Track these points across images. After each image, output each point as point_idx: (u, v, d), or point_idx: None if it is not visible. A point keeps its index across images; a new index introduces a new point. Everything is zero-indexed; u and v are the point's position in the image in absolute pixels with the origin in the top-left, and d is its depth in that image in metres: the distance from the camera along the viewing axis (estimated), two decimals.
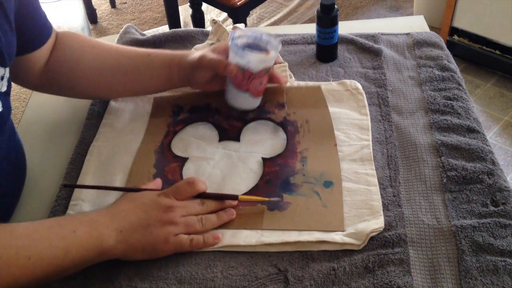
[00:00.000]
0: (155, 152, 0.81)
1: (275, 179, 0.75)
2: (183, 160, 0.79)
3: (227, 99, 0.84)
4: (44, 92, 0.88)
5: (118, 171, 0.78)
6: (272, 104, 0.86)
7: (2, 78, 0.69)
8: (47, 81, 0.83)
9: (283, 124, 0.83)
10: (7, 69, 0.71)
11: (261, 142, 0.81)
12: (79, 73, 0.83)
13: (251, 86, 0.79)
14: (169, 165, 0.78)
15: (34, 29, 0.78)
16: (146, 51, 0.85)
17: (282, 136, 0.82)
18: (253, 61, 0.76)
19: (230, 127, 0.84)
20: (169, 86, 0.87)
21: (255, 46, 0.80)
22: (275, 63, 0.85)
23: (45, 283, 0.61)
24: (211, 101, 0.88)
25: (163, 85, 0.86)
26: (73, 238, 0.61)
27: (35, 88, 0.88)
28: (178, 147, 0.82)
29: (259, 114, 0.85)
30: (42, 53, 0.80)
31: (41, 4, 0.79)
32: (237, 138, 0.82)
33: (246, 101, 0.82)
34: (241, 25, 1.05)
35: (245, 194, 0.73)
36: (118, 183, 0.76)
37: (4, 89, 0.71)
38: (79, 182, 0.77)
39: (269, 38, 0.80)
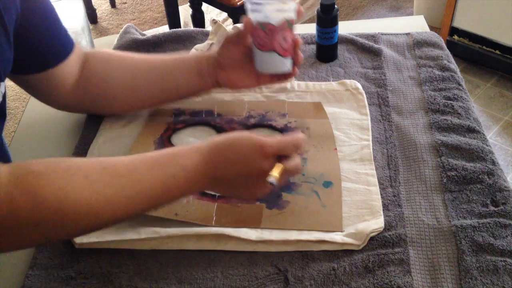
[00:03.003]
0: (154, 143, 0.81)
1: None
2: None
3: (256, 66, 0.80)
4: (81, 111, 0.88)
5: None
6: (273, 113, 0.86)
7: None
8: (80, 98, 0.83)
9: (284, 130, 0.83)
10: (2, 84, 0.69)
11: None
12: (112, 85, 0.82)
13: (275, 43, 0.75)
14: None
15: (54, 42, 0.77)
16: (173, 56, 0.85)
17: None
18: (271, 11, 0.74)
19: (231, 130, 0.84)
20: (201, 82, 0.83)
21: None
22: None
23: (140, 215, 0.66)
24: (213, 107, 0.88)
25: (195, 81, 0.83)
26: (173, 183, 0.62)
27: (71, 108, 0.87)
28: (177, 142, 0.82)
29: (261, 120, 0.85)
30: (66, 70, 0.79)
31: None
32: None
33: (274, 63, 0.78)
34: (241, 25, 1.05)
35: None
36: None
37: None
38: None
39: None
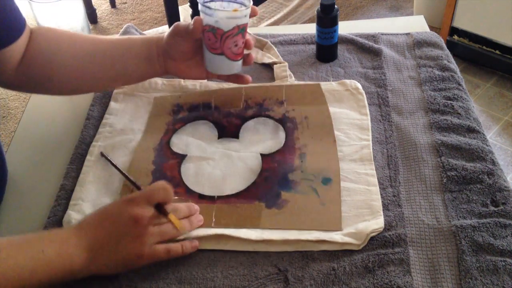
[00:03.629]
0: (154, 149, 0.81)
1: (274, 175, 0.75)
2: (182, 157, 0.79)
3: (206, 65, 0.80)
4: (21, 90, 0.84)
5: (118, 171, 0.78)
6: (271, 101, 0.86)
7: None
8: (23, 78, 0.79)
9: (282, 121, 0.83)
10: None
11: (261, 140, 0.81)
12: (56, 65, 0.79)
13: (225, 47, 0.75)
14: (167, 162, 0.78)
15: (5, 23, 0.73)
16: (127, 36, 0.83)
17: (281, 132, 0.82)
18: (222, 18, 0.72)
19: (229, 124, 0.84)
20: (150, 68, 0.81)
21: (230, 8, 0.76)
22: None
23: None
24: (210, 99, 0.88)
25: (144, 67, 0.81)
26: (41, 259, 0.58)
27: (11, 87, 0.83)
28: (177, 145, 0.82)
29: (258, 111, 0.85)
30: (15, 49, 0.75)
31: (41, 4, 0.77)
32: (236, 136, 0.82)
33: (223, 65, 0.78)
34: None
35: (243, 192, 0.74)
36: (117, 182, 0.76)
37: None
38: (79, 182, 0.77)
39: (242, 0, 0.76)
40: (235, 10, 0.71)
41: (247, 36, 0.76)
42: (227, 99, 0.87)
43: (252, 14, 0.75)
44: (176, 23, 0.77)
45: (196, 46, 0.78)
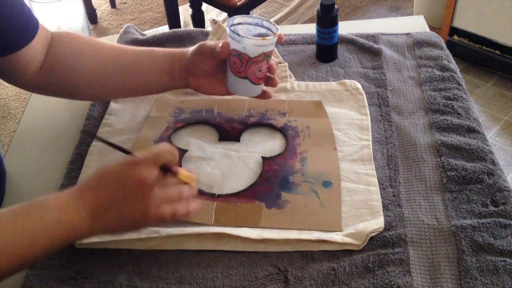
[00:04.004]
0: (154, 142, 0.81)
1: (274, 177, 0.75)
2: (183, 151, 0.79)
3: (228, 86, 0.80)
4: (42, 93, 0.85)
5: None
6: (273, 112, 0.86)
7: None
8: (44, 81, 0.80)
9: (284, 129, 0.83)
10: None
11: (261, 142, 0.81)
12: (79, 72, 0.80)
13: (249, 72, 0.76)
14: None
15: (18, 26, 0.73)
16: (149, 48, 0.83)
17: (282, 138, 0.82)
18: (249, 45, 0.73)
19: (231, 129, 0.84)
20: (171, 82, 0.82)
21: (255, 32, 0.77)
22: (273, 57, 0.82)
23: (14, 273, 0.58)
24: (213, 106, 0.88)
25: (165, 81, 0.82)
26: (40, 228, 0.56)
27: (32, 89, 0.84)
28: (177, 142, 0.82)
29: (261, 119, 0.85)
30: (32, 51, 0.75)
31: (41, 4, 0.77)
32: (237, 139, 0.82)
33: (246, 88, 0.78)
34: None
35: (243, 191, 0.73)
36: None
37: None
38: (79, 182, 0.77)
39: (269, 25, 0.77)
40: (264, 39, 0.72)
41: (271, 61, 0.77)
42: (230, 107, 0.88)
43: (279, 41, 0.75)
44: (202, 42, 0.77)
45: (219, 65, 0.78)
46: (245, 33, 0.76)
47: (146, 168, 0.59)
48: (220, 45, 0.74)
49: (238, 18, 0.76)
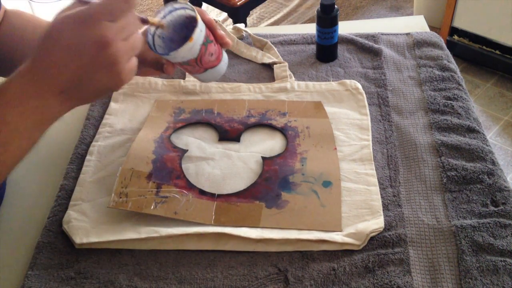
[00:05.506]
0: (154, 141, 0.81)
1: (274, 177, 0.75)
2: (183, 151, 0.79)
3: (200, 80, 0.76)
4: None
5: (118, 170, 0.78)
6: (273, 112, 0.86)
7: None
8: None
9: (284, 129, 0.83)
10: None
11: (261, 143, 0.82)
12: (20, 48, 0.74)
13: (205, 64, 0.71)
14: (168, 154, 0.78)
15: None
16: None
17: (282, 138, 0.82)
18: (184, 54, 0.66)
19: (231, 129, 0.84)
20: None
21: (178, 27, 0.69)
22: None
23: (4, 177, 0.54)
24: (213, 106, 0.88)
25: None
26: (7, 129, 0.51)
27: None
28: (177, 142, 0.82)
29: (261, 120, 0.85)
30: None
31: (41, 4, 0.76)
32: (237, 140, 0.82)
33: (214, 74, 0.74)
34: (241, 25, 1.05)
35: (243, 191, 0.74)
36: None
37: None
38: (79, 182, 0.77)
39: (183, 12, 0.69)
40: (191, 40, 0.65)
41: (217, 32, 0.71)
42: (230, 107, 0.88)
43: (209, 24, 0.68)
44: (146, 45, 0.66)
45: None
46: (169, 26, 0.69)
47: (102, 25, 0.52)
48: (167, 71, 0.69)
49: (150, 28, 0.68)
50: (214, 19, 1.02)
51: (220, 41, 0.71)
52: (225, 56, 0.74)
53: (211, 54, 0.70)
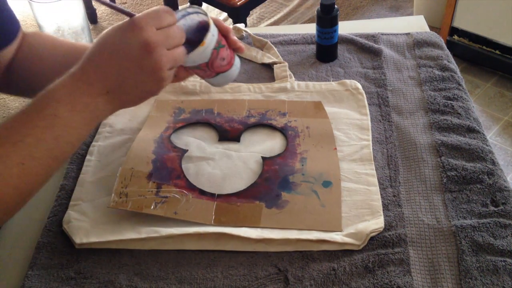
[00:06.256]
0: (154, 141, 0.81)
1: (274, 177, 0.75)
2: (183, 151, 0.79)
3: (211, 85, 0.77)
4: (5, 93, 0.82)
5: (118, 170, 0.78)
6: (273, 112, 0.86)
7: None
8: (9, 81, 0.77)
9: (284, 129, 0.83)
10: None
11: (261, 143, 0.82)
12: (38, 69, 0.77)
13: (216, 68, 0.71)
14: (168, 154, 0.78)
15: (2, 26, 0.71)
16: None
17: (282, 138, 0.82)
18: (197, 59, 0.67)
19: (232, 129, 0.84)
20: None
21: (190, 31, 0.69)
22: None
23: (51, 175, 0.58)
24: (213, 106, 0.88)
25: None
26: (59, 123, 0.55)
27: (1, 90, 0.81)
28: (177, 142, 0.82)
29: (261, 120, 0.85)
30: (7, 53, 0.73)
31: (41, 4, 0.76)
32: (237, 140, 0.82)
33: (225, 79, 0.74)
34: (241, 25, 1.05)
35: (243, 191, 0.73)
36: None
37: None
38: (79, 182, 0.77)
39: (196, 16, 0.70)
40: (203, 44, 0.66)
41: (230, 37, 0.71)
42: (230, 107, 0.88)
43: (223, 30, 0.69)
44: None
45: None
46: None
47: (149, 31, 0.56)
48: (181, 78, 0.71)
49: None
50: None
51: (233, 46, 0.72)
52: (237, 61, 0.74)
53: (222, 59, 0.71)
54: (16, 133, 0.53)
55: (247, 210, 0.71)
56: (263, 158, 0.78)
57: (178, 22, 0.67)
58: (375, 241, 0.67)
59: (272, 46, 0.99)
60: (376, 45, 0.98)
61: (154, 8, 0.59)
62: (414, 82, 0.92)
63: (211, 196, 0.73)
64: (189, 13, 0.70)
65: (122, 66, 0.56)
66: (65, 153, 0.58)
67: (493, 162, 0.76)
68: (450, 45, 2.16)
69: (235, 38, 0.71)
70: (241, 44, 0.72)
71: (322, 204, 0.71)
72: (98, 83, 0.56)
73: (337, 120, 0.84)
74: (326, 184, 0.74)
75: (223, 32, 0.70)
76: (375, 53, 0.97)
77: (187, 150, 0.80)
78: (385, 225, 0.68)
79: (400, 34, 1.02)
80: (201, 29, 0.69)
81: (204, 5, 2.05)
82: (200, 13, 0.70)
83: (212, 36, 0.67)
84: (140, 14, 0.58)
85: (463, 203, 0.71)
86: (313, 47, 1.00)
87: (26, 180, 0.55)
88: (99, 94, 0.57)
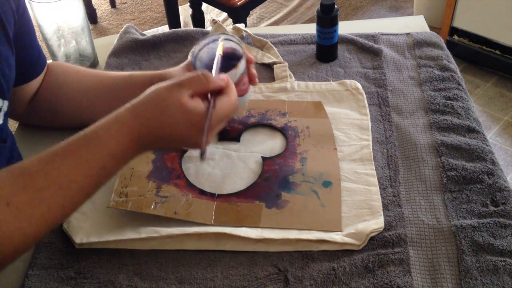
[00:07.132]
0: None
1: (274, 177, 0.75)
2: (183, 151, 0.79)
3: None
4: (28, 122, 0.87)
5: None
6: (273, 112, 0.86)
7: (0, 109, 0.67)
8: (32, 111, 0.82)
9: (284, 129, 0.83)
10: (6, 102, 0.68)
11: (261, 142, 0.82)
12: (62, 98, 0.81)
13: (238, 91, 0.72)
14: (168, 154, 0.78)
15: (32, 58, 0.76)
16: (128, 72, 0.84)
17: (282, 138, 0.82)
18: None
19: (231, 129, 0.84)
20: None
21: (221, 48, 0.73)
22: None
23: (84, 202, 0.60)
24: None
25: None
26: (105, 175, 0.58)
27: (20, 119, 0.85)
28: None
29: (261, 120, 0.85)
30: (34, 84, 0.79)
31: (41, 4, 0.79)
32: (237, 139, 0.82)
33: (240, 102, 0.74)
34: (241, 25, 1.05)
35: (243, 191, 0.73)
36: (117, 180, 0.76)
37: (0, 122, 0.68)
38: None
39: (229, 36, 0.73)
40: (237, 67, 0.69)
41: (251, 70, 0.75)
42: None
43: (249, 62, 0.73)
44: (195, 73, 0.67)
45: None
46: (209, 56, 0.73)
47: (195, 101, 0.59)
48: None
49: (196, 48, 0.73)
50: (214, 19, 1.02)
51: (250, 78, 0.75)
52: (251, 88, 0.77)
53: (244, 84, 0.73)
54: (64, 177, 0.56)
55: (247, 210, 0.71)
56: (263, 158, 0.78)
57: (218, 44, 0.72)
58: (375, 241, 0.67)
59: (272, 46, 0.99)
60: (376, 45, 0.98)
61: (198, 77, 0.61)
62: (414, 82, 0.92)
63: (211, 196, 0.73)
64: (226, 40, 0.74)
65: (166, 128, 0.60)
66: (107, 178, 0.60)
67: (493, 162, 0.76)
68: (450, 45, 2.16)
69: (254, 71, 0.74)
70: (257, 80, 0.76)
71: (322, 204, 0.71)
72: (141, 128, 0.59)
73: (337, 120, 0.84)
74: (326, 184, 0.74)
75: (248, 61, 0.73)
76: (375, 53, 0.97)
77: (187, 150, 0.80)
78: (385, 225, 0.68)
79: (400, 34, 1.02)
80: (230, 55, 0.73)
81: (204, 5, 2.05)
82: (234, 41, 0.74)
83: (244, 61, 0.71)
84: (217, 104, 0.61)
85: (463, 203, 0.71)
86: (313, 47, 1.00)
87: (61, 220, 0.59)
88: (140, 152, 0.61)
